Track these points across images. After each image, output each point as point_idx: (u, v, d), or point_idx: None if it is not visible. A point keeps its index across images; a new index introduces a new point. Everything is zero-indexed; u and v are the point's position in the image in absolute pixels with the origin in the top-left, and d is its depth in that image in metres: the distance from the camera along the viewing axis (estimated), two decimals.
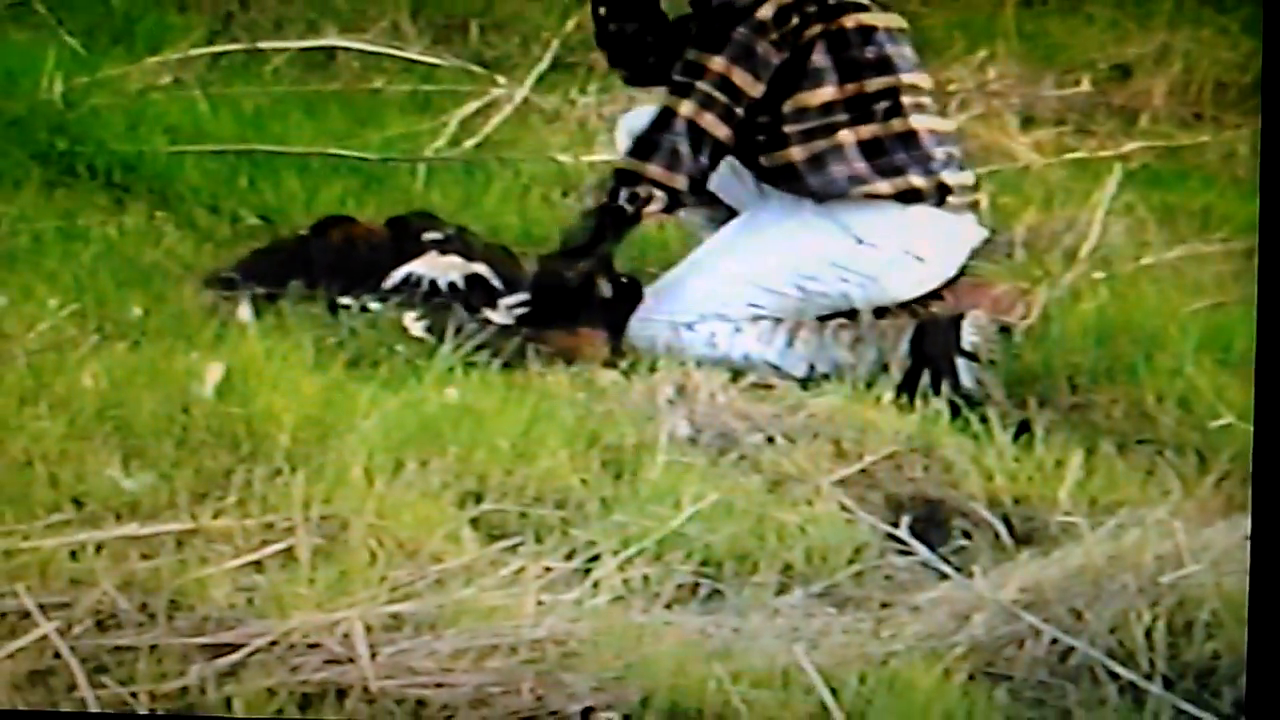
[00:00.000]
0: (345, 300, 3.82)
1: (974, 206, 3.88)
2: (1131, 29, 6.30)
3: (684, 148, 3.67)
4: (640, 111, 4.04)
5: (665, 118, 3.69)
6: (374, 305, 3.81)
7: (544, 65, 5.55)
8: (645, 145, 3.71)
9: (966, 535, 3.13)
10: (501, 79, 5.50)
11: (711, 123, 3.67)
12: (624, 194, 3.70)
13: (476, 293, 3.91)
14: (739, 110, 3.69)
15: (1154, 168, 5.21)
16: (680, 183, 3.70)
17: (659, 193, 3.70)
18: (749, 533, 3.02)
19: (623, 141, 4.01)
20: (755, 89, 3.69)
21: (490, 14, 6.18)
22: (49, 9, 5.69)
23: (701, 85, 3.67)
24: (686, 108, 3.67)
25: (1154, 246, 4.47)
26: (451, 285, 3.90)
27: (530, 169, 4.70)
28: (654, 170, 3.69)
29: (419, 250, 3.98)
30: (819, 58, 3.71)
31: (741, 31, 3.66)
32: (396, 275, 3.90)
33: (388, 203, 4.40)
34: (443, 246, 3.99)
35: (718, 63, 3.66)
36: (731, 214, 3.91)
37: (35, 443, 3.04)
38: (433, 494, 3.04)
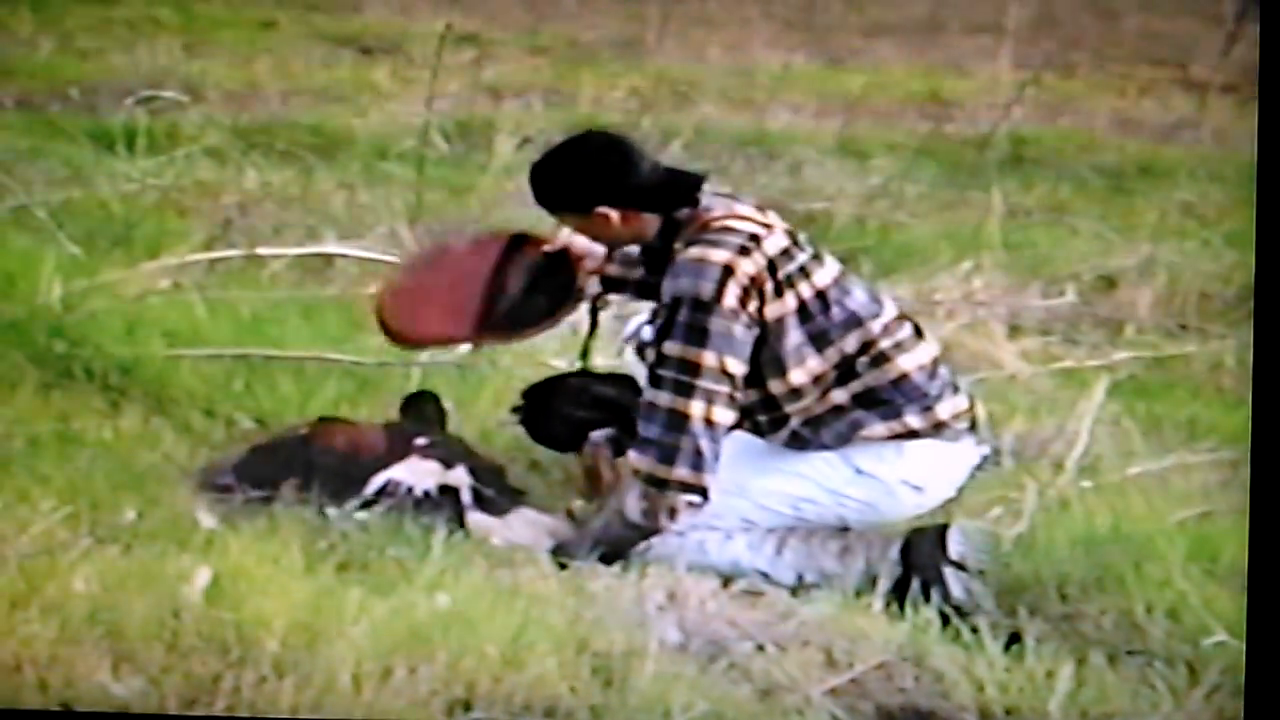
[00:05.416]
0: (331, 509, 3.82)
1: (972, 428, 3.88)
2: (1116, 241, 6.39)
3: (705, 445, 3.64)
4: (641, 316, 4.11)
5: (678, 421, 3.63)
6: (359, 514, 3.81)
7: None
8: (667, 452, 3.64)
9: None
10: None
11: (723, 415, 3.65)
12: (663, 515, 3.69)
13: (447, 503, 3.92)
14: (739, 395, 3.68)
15: (1140, 378, 5.23)
16: (708, 481, 3.67)
17: (695, 498, 3.67)
18: None
19: (630, 349, 4.09)
20: (743, 369, 3.67)
21: (486, 221, 6.24)
22: (49, 214, 5.75)
23: (702, 383, 3.63)
24: (697, 408, 3.63)
25: (1141, 456, 4.49)
26: (426, 493, 3.92)
27: (522, 373, 4.71)
28: (681, 474, 3.65)
29: (407, 454, 4.01)
30: (794, 335, 3.71)
31: (718, 322, 3.63)
32: (377, 480, 3.92)
33: (380, 406, 4.41)
34: (426, 451, 4.01)
35: (709, 357, 3.63)
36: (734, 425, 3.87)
37: (25, 647, 3.03)
38: (421, 701, 3.03)
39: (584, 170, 3.80)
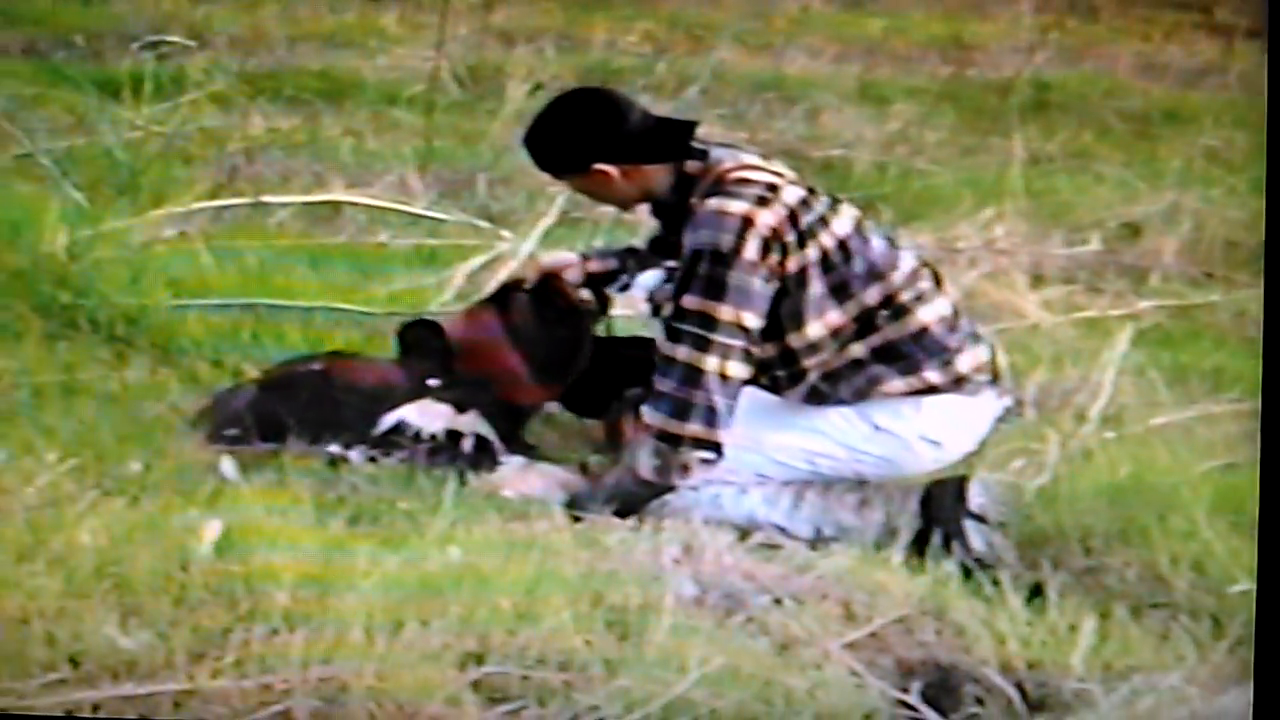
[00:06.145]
0: (334, 447, 3.80)
1: (993, 379, 3.84)
2: (1141, 188, 6.32)
3: (719, 401, 3.61)
4: (656, 272, 4.04)
5: (693, 375, 3.60)
6: (354, 454, 3.80)
7: (550, 220, 5.56)
8: (681, 406, 3.62)
9: (979, 702, 3.11)
10: (507, 233, 5.50)
11: (737, 369, 3.61)
12: (676, 472, 3.66)
13: (447, 447, 3.89)
14: (755, 350, 3.64)
15: (1165, 327, 5.18)
16: (721, 436, 3.63)
17: (708, 454, 3.64)
18: (756, 698, 2.99)
19: (640, 300, 4.02)
20: (759, 323, 3.63)
21: (497, 169, 6.20)
22: (53, 162, 5.71)
23: (717, 337, 3.59)
24: (712, 363, 3.60)
25: (1165, 406, 4.45)
26: (432, 436, 3.87)
27: None
28: (694, 429, 3.62)
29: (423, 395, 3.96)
30: (816, 286, 3.67)
31: (736, 275, 3.59)
32: (387, 421, 3.87)
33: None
34: (439, 393, 3.96)
35: (726, 311, 3.60)
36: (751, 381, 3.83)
37: (32, 600, 3.02)
38: (433, 655, 3.01)
39: (573, 129, 3.76)
